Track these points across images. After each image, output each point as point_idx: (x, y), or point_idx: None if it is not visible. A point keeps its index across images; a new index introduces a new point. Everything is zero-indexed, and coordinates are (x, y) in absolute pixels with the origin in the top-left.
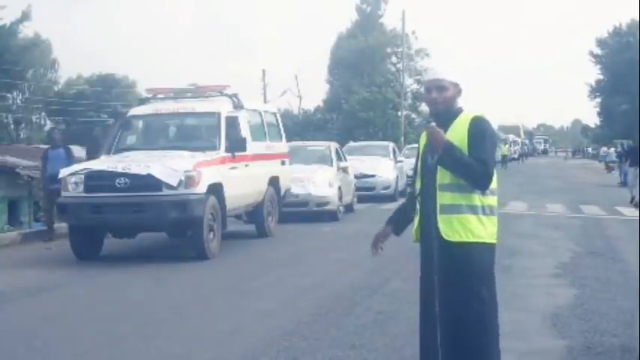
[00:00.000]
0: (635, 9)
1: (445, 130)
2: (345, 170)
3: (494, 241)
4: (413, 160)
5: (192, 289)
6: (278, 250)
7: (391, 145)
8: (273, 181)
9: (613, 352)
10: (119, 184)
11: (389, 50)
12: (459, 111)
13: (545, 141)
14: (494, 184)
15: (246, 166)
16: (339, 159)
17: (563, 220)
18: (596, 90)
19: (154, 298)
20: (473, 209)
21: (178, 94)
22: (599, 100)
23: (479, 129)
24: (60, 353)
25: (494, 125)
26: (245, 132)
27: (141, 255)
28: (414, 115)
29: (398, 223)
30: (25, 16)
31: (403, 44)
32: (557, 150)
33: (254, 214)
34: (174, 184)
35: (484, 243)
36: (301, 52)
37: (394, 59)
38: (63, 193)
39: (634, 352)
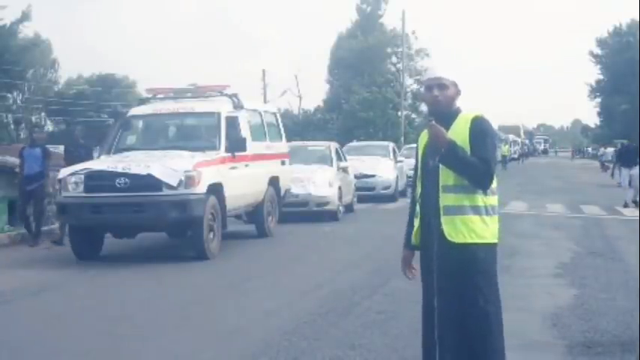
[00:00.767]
0: (635, 9)
1: (446, 130)
2: (345, 170)
3: (496, 240)
4: (412, 160)
5: (192, 289)
6: (278, 250)
7: (391, 145)
8: (273, 181)
9: (613, 352)
10: (119, 184)
11: (389, 50)
12: (458, 111)
13: (545, 141)
14: (494, 184)
15: (246, 166)
16: (339, 159)
17: (564, 220)
18: (596, 90)
19: (154, 298)
20: (476, 210)
21: (178, 94)
22: (599, 100)
23: (480, 129)
24: (60, 353)
25: (495, 125)
26: (245, 132)
27: (141, 255)
28: (414, 115)
29: (412, 242)
30: (25, 16)
31: (403, 44)
32: (557, 150)
33: (254, 214)
34: (174, 184)
35: (487, 243)
36: (301, 52)
37: (394, 59)
38: (63, 193)
39: (634, 352)
